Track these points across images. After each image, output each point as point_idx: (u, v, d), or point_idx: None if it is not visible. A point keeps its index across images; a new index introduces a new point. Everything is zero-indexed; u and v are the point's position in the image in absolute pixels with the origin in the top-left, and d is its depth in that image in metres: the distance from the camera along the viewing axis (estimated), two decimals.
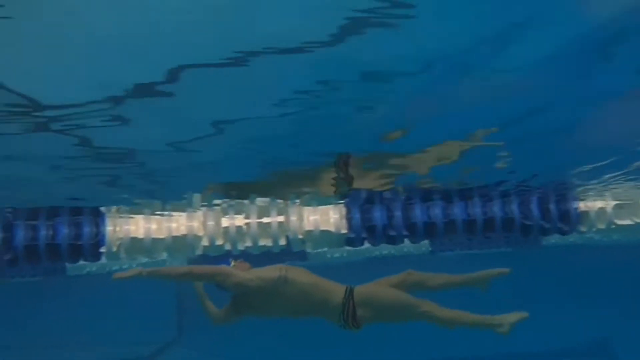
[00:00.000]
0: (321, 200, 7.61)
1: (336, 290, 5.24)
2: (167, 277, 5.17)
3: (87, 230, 7.35)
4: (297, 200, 7.62)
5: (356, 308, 5.12)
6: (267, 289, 5.07)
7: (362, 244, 7.64)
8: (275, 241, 7.33)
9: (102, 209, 7.47)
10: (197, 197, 7.33)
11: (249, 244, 7.37)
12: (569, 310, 10.79)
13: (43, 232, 7.30)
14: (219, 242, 7.43)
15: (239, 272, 5.08)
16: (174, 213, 7.45)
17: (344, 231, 7.48)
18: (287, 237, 7.41)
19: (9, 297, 11.10)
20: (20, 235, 7.26)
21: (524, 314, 5.29)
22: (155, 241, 7.42)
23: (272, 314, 5.30)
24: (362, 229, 7.45)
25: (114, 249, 7.33)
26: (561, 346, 11.56)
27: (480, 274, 5.47)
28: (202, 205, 7.50)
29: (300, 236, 7.48)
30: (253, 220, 7.31)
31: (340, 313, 5.18)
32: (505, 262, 11.23)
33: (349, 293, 5.20)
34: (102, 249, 7.40)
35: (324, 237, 7.50)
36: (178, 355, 13.22)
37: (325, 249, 7.88)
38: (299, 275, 5.21)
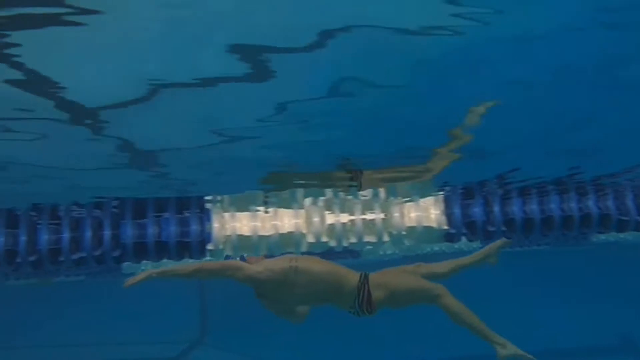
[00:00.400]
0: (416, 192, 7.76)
1: (350, 275, 5.19)
2: (178, 275, 5.00)
3: (195, 228, 7.39)
4: (393, 197, 7.75)
5: (371, 291, 5.11)
6: (278, 279, 5.00)
7: (460, 239, 7.80)
8: (380, 238, 7.45)
9: (208, 205, 7.51)
10: (300, 193, 7.42)
11: (353, 240, 7.48)
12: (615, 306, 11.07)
13: (151, 230, 7.33)
14: (324, 239, 7.52)
15: (249, 266, 5.00)
16: (279, 210, 7.53)
17: (445, 227, 7.63)
18: (390, 234, 7.53)
19: (49, 297, 11.07)
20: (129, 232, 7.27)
21: (525, 354, 5.17)
22: (262, 238, 7.49)
23: (287, 303, 5.21)
24: (462, 225, 7.61)
25: (221, 246, 7.37)
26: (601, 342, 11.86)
27: (487, 249, 5.44)
28: (305, 202, 7.59)
29: (404, 232, 7.62)
30: (357, 217, 7.42)
31: (356, 297, 5.13)
32: (559, 259, 11.53)
33: (364, 277, 5.17)
34: (209, 247, 7.45)
35: (426, 233, 7.64)
36: (202, 354, 13.26)
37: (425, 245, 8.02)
38: (310, 263, 5.16)
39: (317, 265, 5.14)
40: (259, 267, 5.00)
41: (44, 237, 7.43)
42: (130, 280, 4.65)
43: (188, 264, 5.58)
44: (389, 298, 5.14)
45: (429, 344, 10.98)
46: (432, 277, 5.27)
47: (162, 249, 7.53)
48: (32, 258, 7.46)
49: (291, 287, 5.01)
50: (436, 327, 5.81)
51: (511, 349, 5.09)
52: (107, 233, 7.55)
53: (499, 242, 5.45)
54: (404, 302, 5.21)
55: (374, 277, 5.15)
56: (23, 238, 7.46)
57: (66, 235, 7.43)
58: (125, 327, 12.42)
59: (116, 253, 7.58)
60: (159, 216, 7.46)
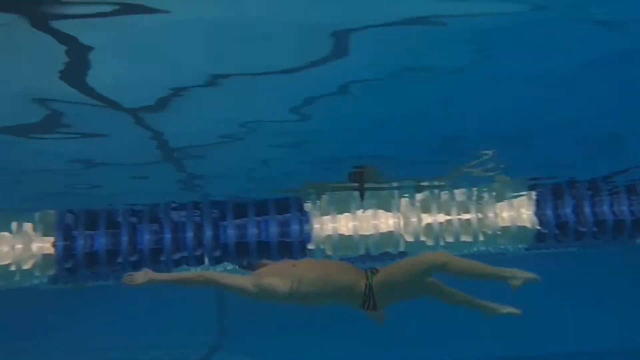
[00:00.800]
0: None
1: (356, 278, 5.08)
2: (174, 282, 4.88)
3: (295, 228, 7.38)
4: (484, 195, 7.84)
5: (376, 295, 4.98)
6: (283, 297, 4.92)
7: (551, 240, 7.92)
8: (475, 237, 7.53)
9: (306, 206, 7.51)
10: (395, 193, 7.47)
11: (450, 240, 7.55)
12: None
13: (252, 230, 7.30)
14: (422, 238, 7.58)
15: (251, 288, 4.85)
16: (377, 210, 7.56)
17: (537, 227, 7.75)
18: (485, 234, 7.62)
19: (67, 301, 10.98)
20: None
21: (534, 276, 5.12)
22: (363, 238, 7.51)
23: (292, 304, 5.12)
24: (554, 226, 7.73)
25: (322, 246, 7.38)
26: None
27: (515, 271, 5.12)
28: (402, 202, 7.64)
29: (499, 232, 7.71)
30: (454, 217, 7.49)
31: (362, 300, 5.04)
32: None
33: (370, 278, 5.07)
34: (310, 246, 7.44)
35: (519, 233, 7.75)
36: (221, 358, 13.20)
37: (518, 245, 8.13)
38: (311, 271, 5.05)
39: (320, 274, 5.02)
40: (261, 288, 4.84)
41: (146, 237, 7.36)
42: (128, 280, 4.63)
43: (186, 272, 5.45)
44: (395, 294, 5.07)
45: (486, 342, 11.10)
46: (444, 294, 5.20)
47: (263, 249, 7.51)
48: (133, 258, 7.38)
49: (296, 298, 4.93)
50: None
51: (521, 276, 5.04)
52: (209, 234, 7.50)
53: (531, 275, 5.19)
54: (414, 293, 5.14)
55: (379, 276, 5.06)
56: (124, 238, 7.38)
57: (168, 235, 7.37)
58: (143, 331, 12.31)
59: (217, 253, 7.54)
60: (260, 217, 7.45)
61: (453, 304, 5.13)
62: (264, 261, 5.13)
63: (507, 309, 5.25)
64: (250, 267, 5.10)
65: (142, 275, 4.60)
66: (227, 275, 4.84)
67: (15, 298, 9.61)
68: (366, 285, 4.92)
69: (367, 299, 4.93)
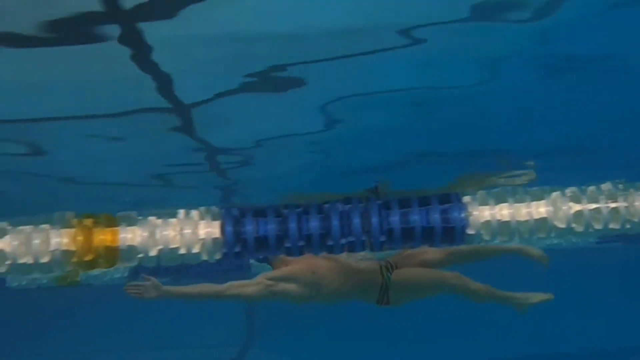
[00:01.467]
0: None
1: (371, 276, 5.54)
2: (186, 297, 5.10)
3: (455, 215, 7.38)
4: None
5: (390, 295, 5.50)
6: (299, 301, 5.35)
7: None
8: (623, 226, 7.68)
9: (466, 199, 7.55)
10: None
11: (598, 227, 7.68)
12: None
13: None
14: (573, 225, 7.68)
15: (266, 295, 5.26)
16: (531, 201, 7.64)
17: None
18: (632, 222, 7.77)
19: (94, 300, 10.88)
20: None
21: (548, 296, 5.63)
22: (520, 224, 7.57)
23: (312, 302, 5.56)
24: None
25: (481, 231, 7.41)
26: None
27: (525, 296, 5.71)
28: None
29: None
30: (602, 205, 7.63)
31: (377, 297, 5.56)
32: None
33: (386, 275, 5.54)
34: (469, 231, 7.44)
35: None
36: (251, 356, 13.23)
37: None
38: (329, 277, 5.46)
39: (337, 282, 5.42)
40: (275, 287, 5.21)
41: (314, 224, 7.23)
42: (134, 291, 4.77)
43: (195, 285, 5.60)
44: (408, 296, 5.57)
45: (515, 340, 11.30)
46: (462, 290, 5.61)
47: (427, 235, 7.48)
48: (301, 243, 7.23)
49: (309, 300, 5.33)
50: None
51: (534, 300, 5.49)
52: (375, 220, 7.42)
53: (545, 297, 5.64)
54: (423, 296, 5.61)
55: (396, 279, 5.47)
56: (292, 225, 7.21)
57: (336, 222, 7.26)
58: (173, 331, 12.24)
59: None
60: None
61: (477, 300, 5.43)
62: (282, 256, 5.13)
63: (539, 297, 5.49)
64: (267, 262, 5.36)
65: (152, 289, 4.77)
66: (240, 284, 5.09)
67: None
68: (382, 286, 5.34)
69: (381, 298, 5.35)
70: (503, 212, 8.22)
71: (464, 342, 12.02)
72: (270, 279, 5.04)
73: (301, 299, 5.08)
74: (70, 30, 2.53)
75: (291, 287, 5.03)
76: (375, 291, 5.29)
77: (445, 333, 12.71)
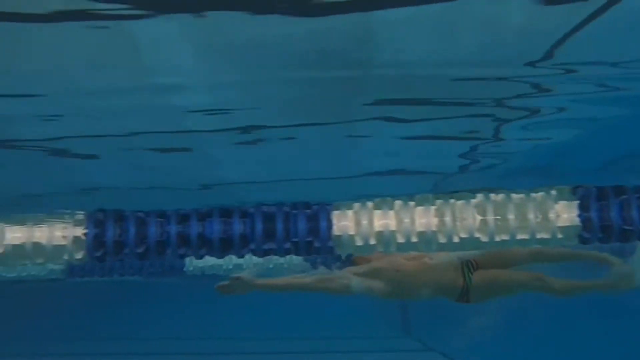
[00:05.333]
0: None
1: (453, 277, 5.16)
2: (273, 288, 4.97)
3: None
4: None
5: (470, 296, 5.16)
6: (381, 297, 5.04)
7: None
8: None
9: None
10: None
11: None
12: None
13: None
14: None
15: (352, 289, 4.96)
16: None
17: None
18: None
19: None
20: None
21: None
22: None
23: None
24: None
25: None
26: None
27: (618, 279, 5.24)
28: None
29: None
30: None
31: (458, 297, 5.19)
32: None
33: (467, 278, 5.16)
34: None
35: None
36: (406, 349, 13.01)
37: None
38: (413, 276, 5.09)
39: (420, 281, 5.11)
40: (361, 283, 4.93)
41: None
42: (225, 288, 4.71)
43: (283, 277, 5.35)
44: (488, 296, 5.25)
45: None
46: (545, 289, 5.19)
47: None
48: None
49: (391, 297, 5.13)
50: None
51: (627, 276, 5.06)
52: None
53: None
54: (504, 295, 5.32)
55: (477, 279, 5.14)
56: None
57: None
58: (325, 321, 12.37)
59: None
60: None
61: (562, 296, 5.16)
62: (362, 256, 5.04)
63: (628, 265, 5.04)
64: (349, 262, 5.16)
65: (241, 287, 4.74)
66: (326, 278, 4.91)
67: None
68: (463, 287, 5.10)
69: (461, 298, 5.14)
70: None
71: None
72: (356, 274, 4.96)
73: (383, 295, 5.01)
74: None
75: (375, 283, 4.98)
76: (456, 291, 5.18)
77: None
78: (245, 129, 5.54)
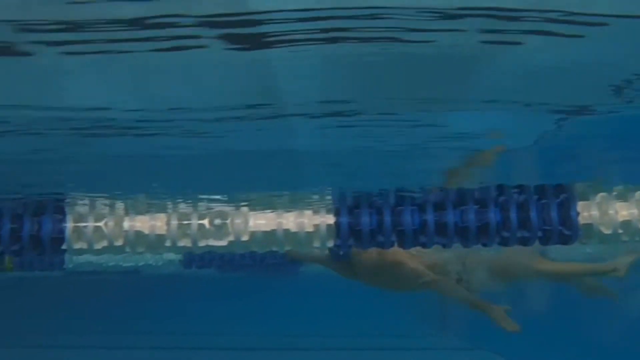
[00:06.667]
0: None
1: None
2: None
3: None
4: None
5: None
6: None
7: None
8: None
9: None
10: None
11: None
12: None
13: None
14: None
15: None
16: None
17: None
18: None
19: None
20: None
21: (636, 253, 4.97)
22: None
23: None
24: None
25: None
26: None
27: (615, 263, 5.14)
28: None
29: None
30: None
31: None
32: None
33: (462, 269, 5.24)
34: None
35: None
36: (441, 345, 12.84)
37: None
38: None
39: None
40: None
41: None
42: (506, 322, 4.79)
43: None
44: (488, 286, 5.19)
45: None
46: (545, 274, 5.20)
47: None
48: None
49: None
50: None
51: (622, 266, 4.93)
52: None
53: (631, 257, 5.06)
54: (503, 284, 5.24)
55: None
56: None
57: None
58: (365, 318, 12.31)
59: None
60: None
61: (566, 282, 5.17)
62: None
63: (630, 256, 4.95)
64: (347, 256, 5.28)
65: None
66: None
67: None
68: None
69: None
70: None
71: None
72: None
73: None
74: None
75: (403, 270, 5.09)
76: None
77: None
78: None
